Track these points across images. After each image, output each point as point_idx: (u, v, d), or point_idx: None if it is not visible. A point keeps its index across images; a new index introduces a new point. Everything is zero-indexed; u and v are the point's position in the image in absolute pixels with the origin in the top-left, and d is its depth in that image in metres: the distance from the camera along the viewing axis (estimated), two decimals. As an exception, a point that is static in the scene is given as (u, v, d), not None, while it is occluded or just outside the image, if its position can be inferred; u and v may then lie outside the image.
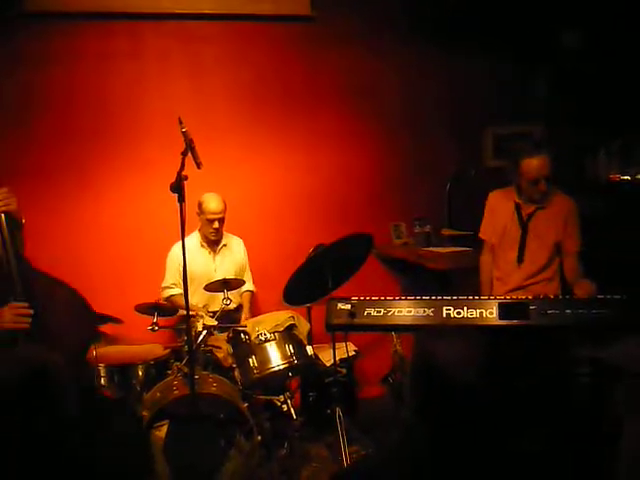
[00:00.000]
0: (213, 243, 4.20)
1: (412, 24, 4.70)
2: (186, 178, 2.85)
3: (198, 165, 2.90)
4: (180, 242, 2.92)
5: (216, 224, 4.06)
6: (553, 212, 3.50)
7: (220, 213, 4.05)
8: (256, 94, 4.59)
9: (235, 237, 4.35)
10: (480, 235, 3.76)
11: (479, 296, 3.17)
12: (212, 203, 4.03)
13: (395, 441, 1.48)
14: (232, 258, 4.26)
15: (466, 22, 4.60)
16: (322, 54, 4.68)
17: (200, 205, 4.06)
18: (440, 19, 4.60)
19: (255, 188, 4.64)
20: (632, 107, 4.44)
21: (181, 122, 2.88)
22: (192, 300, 3.43)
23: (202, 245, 4.19)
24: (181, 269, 3.00)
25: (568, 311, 3.00)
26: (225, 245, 4.25)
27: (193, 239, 4.17)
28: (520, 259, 3.52)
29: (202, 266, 4.12)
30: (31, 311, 2.33)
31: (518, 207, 3.55)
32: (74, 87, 4.25)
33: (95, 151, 4.29)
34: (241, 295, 4.25)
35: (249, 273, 4.38)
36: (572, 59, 4.75)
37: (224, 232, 4.22)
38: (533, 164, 3.40)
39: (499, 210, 3.65)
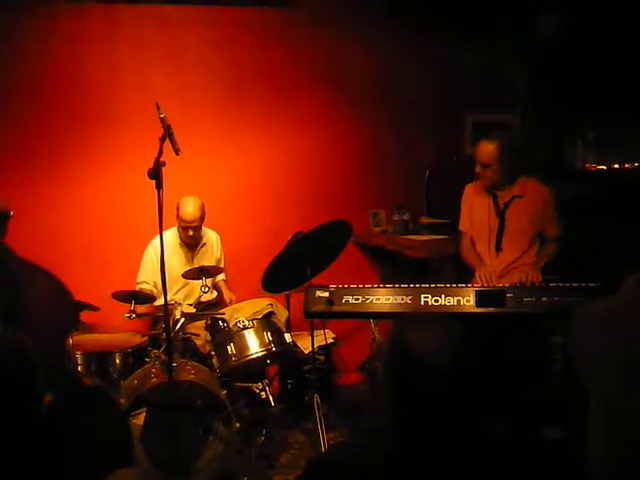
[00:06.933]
0: (191, 245, 4.12)
1: (391, 10, 4.67)
2: (164, 164, 2.82)
3: (176, 151, 2.87)
4: (158, 237, 2.87)
5: (190, 232, 3.97)
6: (529, 200, 3.52)
7: (194, 222, 3.93)
8: (234, 81, 4.54)
9: (213, 232, 4.27)
10: (460, 228, 3.79)
11: (457, 284, 3.19)
12: (188, 209, 3.91)
13: (370, 428, 1.48)
14: (209, 256, 4.19)
15: (445, 8, 4.59)
16: (301, 40, 4.64)
17: (177, 209, 3.95)
18: (419, 5, 4.58)
19: (234, 175, 4.61)
20: (611, 97, 4.48)
21: (159, 108, 2.85)
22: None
23: (181, 245, 4.10)
24: (156, 265, 2.95)
25: (544, 299, 3.05)
26: (204, 244, 4.18)
27: (173, 236, 4.08)
28: (498, 248, 3.54)
29: (178, 268, 3.93)
30: None
31: (495, 197, 3.58)
32: (47, 71, 4.16)
33: (72, 137, 4.22)
34: (215, 284, 4.22)
35: (222, 267, 4.28)
36: (552, 48, 4.77)
37: (203, 228, 4.12)
38: (480, 149, 3.48)
39: (476, 202, 3.67)
